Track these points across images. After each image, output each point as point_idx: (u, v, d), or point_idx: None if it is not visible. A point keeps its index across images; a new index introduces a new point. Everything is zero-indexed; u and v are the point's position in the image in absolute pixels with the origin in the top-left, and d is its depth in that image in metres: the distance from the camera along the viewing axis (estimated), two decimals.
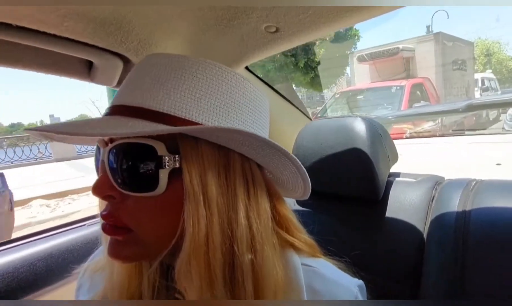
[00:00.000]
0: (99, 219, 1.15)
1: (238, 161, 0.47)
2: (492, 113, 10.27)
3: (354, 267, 0.57)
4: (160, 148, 0.44)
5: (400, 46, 10.02)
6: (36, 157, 13.16)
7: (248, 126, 0.49)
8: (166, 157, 0.44)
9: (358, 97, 8.62)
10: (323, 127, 0.96)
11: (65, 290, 1.02)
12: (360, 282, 0.54)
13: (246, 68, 1.14)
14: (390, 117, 3.56)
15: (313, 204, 0.97)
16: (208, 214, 0.43)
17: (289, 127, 1.33)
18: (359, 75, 10.95)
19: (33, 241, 1.06)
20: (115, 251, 0.47)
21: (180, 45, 0.89)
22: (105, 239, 0.51)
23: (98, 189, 0.45)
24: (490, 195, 0.76)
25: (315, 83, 13.66)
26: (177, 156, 0.44)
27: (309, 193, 0.56)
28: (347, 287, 0.51)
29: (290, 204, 0.97)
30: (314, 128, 0.98)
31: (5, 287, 0.93)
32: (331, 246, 0.60)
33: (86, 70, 0.87)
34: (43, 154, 13.56)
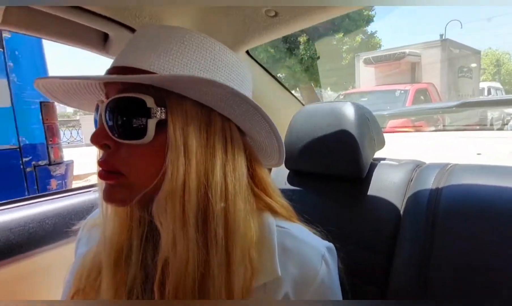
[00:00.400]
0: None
1: (218, 120, 0.53)
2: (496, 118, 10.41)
3: (336, 238, 0.62)
4: (149, 101, 0.49)
5: (407, 50, 10.02)
6: (68, 141, 14.03)
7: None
8: (154, 109, 0.49)
9: (362, 99, 8.42)
10: (316, 110, 1.00)
11: (70, 247, 1.11)
12: (330, 244, 0.59)
13: (247, 52, 1.22)
14: (385, 114, 3.63)
15: (304, 184, 1.04)
16: (186, 162, 0.49)
17: (285, 111, 1.39)
18: (364, 78, 10.93)
19: (44, 201, 1.14)
20: (108, 195, 0.53)
21: (186, 24, 0.96)
22: (100, 187, 0.57)
23: (95, 138, 0.51)
24: (461, 175, 0.82)
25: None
26: (163, 108, 0.50)
27: (283, 157, 0.63)
28: (315, 246, 0.57)
29: (280, 183, 1.06)
30: (307, 112, 1.03)
31: (16, 239, 1.01)
32: (317, 221, 0.65)
33: (102, 43, 0.96)
34: (75, 138, 14.57)
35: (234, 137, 0.55)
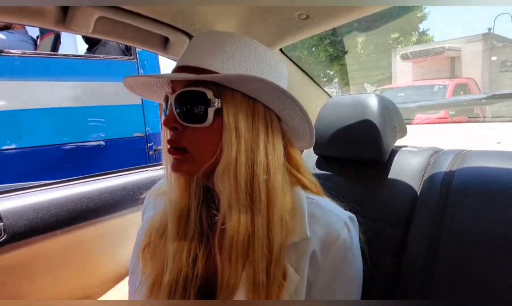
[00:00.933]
0: (159, 167, 1.44)
1: (261, 109, 0.64)
2: None
3: (359, 214, 0.71)
4: (209, 93, 0.61)
5: (446, 45, 9.59)
6: None
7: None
8: (212, 99, 0.61)
9: (399, 94, 7.94)
10: (342, 102, 1.08)
11: (137, 215, 1.31)
12: (352, 214, 0.69)
13: (280, 50, 1.35)
14: (413, 106, 3.61)
15: (331, 168, 1.13)
16: (237, 141, 0.60)
17: (315, 103, 1.50)
18: (401, 73, 10.51)
19: (111, 177, 1.37)
20: (176, 167, 0.65)
21: (230, 27, 1.12)
22: (166, 160, 0.70)
23: (167, 122, 0.64)
24: (474, 159, 0.87)
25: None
26: (219, 99, 0.61)
27: (314, 139, 0.72)
28: (339, 215, 0.67)
29: (309, 168, 1.14)
30: (334, 104, 1.11)
31: (93, 206, 1.25)
32: (343, 200, 0.74)
33: (163, 45, 1.16)
34: None
35: (273, 122, 0.66)
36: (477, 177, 0.82)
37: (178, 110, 0.63)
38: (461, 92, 7.65)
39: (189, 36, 1.12)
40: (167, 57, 1.20)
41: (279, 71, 0.69)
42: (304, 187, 0.71)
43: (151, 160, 3.04)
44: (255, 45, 0.66)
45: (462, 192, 0.80)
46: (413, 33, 15.93)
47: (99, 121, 2.75)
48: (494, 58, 10.12)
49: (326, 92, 1.62)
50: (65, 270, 1.28)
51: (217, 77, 0.59)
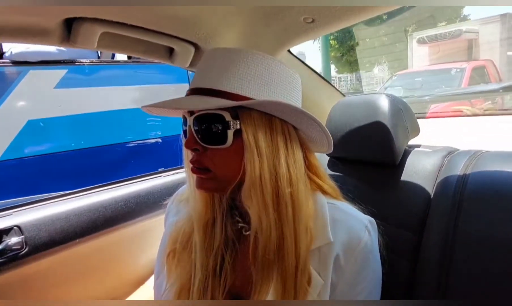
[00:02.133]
0: (171, 172, 1.44)
1: (279, 124, 0.64)
2: None
3: (373, 217, 0.70)
4: (227, 116, 0.61)
5: (463, 28, 9.23)
6: None
7: (284, 97, 0.66)
8: (231, 122, 0.61)
9: (416, 79, 7.65)
10: (352, 102, 1.07)
11: (152, 221, 1.35)
12: (372, 219, 0.70)
13: (288, 51, 1.32)
14: (427, 98, 3.49)
15: (343, 169, 1.11)
16: (259, 160, 0.61)
17: (325, 101, 1.49)
18: (418, 58, 10.17)
19: (127, 184, 1.39)
20: (200, 184, 0.67)
21: (236, 35, 1.09)
22: (189, 178, 0.72)
23: (188, 144, 0.65)
24: (488, 162, 0.84)
25: None
26: (238, 121, 0.62)
27: (332, 147, 0.71)
28: (360, 219, 0.69)
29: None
30: (344, 104, 1.09)
31: (110, 214, 1.27)
32: (348, 196, 0.75)
33: (168, 55, 1.14)
34: None
35: (291, 135, 0.66)
36: (491, 181, 0.80)
37: (197, 132, 0.64)
38: (479, 75, 7.29)
39: (194, 45, 1.10)
40: (174, 66, 1.18)
41: (293, 84, 0.69)
42: (324, 192, 0.72)
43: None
44: (267, 60, 0.65)
45: (476, 197, 0.79)
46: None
47: (156, 120, 3.02)
48: None
49: (337, 90, 1.59)
50: (87, 277, 1.31)
51: (237, 103, 0.60)
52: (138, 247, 1.39)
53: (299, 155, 0.67)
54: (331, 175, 1.07)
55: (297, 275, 0.62)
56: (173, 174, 1.54)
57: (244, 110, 0.62)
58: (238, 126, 0.62)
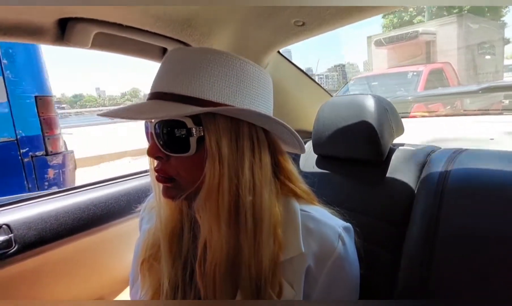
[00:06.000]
0: (145, 173, 1.38)
1: (246, 127, 0.58)
2: None
3: (359, 212, 0.70)
4: (189, 122, 0.56)
5: (420, 29, 9.04)
6: None
7: (252, 100, 0.60)
8: (193, 129, 0.56)
9: (372, 83, 7.41)
10: (340, 103, 1.07)
11: (123, 226, 1.29)
12: (347, 224, 0.65)
13: (278, 52, 1.30)
14: (409, 98, 3.56)
15: (331, 167, 1.11)
16: (220, 168, 0.55)
17: (312, 101, 1.49)
18: (377, 61, 9.98)
19: (94, 188, 1.31)
20: (166, 193, 0.62)
21: (229, 36, 1.07)
22: (155, 186, 0.66)
23: (150, 152, 0.60)
24: (469, 159, 0.85)
25: None
26: (201, 127, 0.56)
27: (304, 148, 0.68)
28: (333, 226, 0.63)
29: (309, 166, 1.16)
30: (333, 104, 1.09)
31: (85, 217, 1.20)
32: (342, 198, 0.73)
33: (161, 55, 1.10)
34: None
35: (260, 139, 0.60)
36: (473, 176, 0.80)
37: (159, 140, 0.58)
38: (437, 78, 7.02)
39: (187, 45, 1.07)
40: None
41: (261, 83, 0.63)
42: (297, 196, 0.67)
43: (26, 168, 2.57)
44: (230, 60, 0.59)
45: (457, 191, 0.79)
46: None
47: None
48: (470, 40, 9.36)
49: (325, 90, 1.59)
50: (76, 275, 1.25)
51: (199, 110, 0.54)
52: (127, 245, 1.33)
53: (266, 159, 0.61)
54: (318, 173, 1.10)
55: (261, 287, 0.57)
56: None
57: (208, 116, 0.56)
58: (201, 133, 0.56)
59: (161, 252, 0.66)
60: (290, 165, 0.68)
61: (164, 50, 1.08)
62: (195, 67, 0.57)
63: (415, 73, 6.72)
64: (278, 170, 0.66)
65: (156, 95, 0.58)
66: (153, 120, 0.59)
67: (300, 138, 0.65)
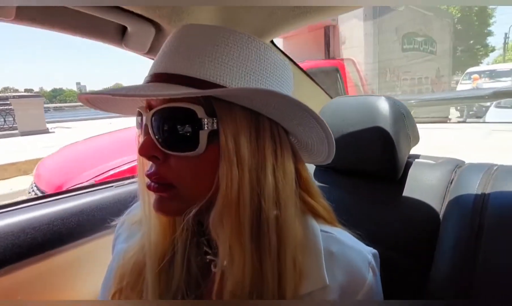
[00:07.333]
0: (126, 181, 1.15)
1: (267, 124, 0.47)
2: None
3: (368, 240, 0.55)
4: (200, 111, 0.44)
5: None
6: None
7: (274, 89, 0.49)
8: (205, 120, 0.44)
9: None
10: (345, 104, 0.92)
11: (96, 244, 1.05)
12: (374, 251, 0.55)
13: (271, 42, 1.11)
14: (413, 101, 3.41)
15: (330, 180, 0.95)
16: (240, 173, 0.44)
17: (310, 102, 1.31)
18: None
19: (65, 197, 1.06)
20: (160, 206, 0.48)
21: (210, 16, 0.85)
22: (144, 196, 0.53)
23: (144, 150, 0.46)
24: (509, 179, 0.72)
25: None
26: (214, 118, 0.45)
27: (332, 157, 0.55)
28: (361, 252, 0.52)
29: None
30: (335, 106, 0.94)
31: (41, 237, 0.94)
32: (347, 220, 0.58)
33: (120, 36, 0.84)
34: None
35: (282, 139, 0.49)
36: None
37: (157, 134, 0.46)
38: (328, 79, 5.27)
39: (155, 25, 0.81)
40: (127, 50, 0.89)
41: (285, 74, 0.52)
42: (316, 215, 0.55)
43: None
44: (253, 43, 0.48)
45: (499, 222, 0.65)
46: None
47: None
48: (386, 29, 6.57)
49: (324, 90, 1.42)
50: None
51: (219, 91, 0.43)
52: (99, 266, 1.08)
53: (290, 166, 0.50)
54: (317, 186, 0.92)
55: None
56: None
57: (223, 104, 0.45)
58: (215, 126, 0.45)
59: (145, 282, 0.53)
60: (309, 176, 0.56)
61: (124, 30, 0.83)
62: (212, 46, 0.46)
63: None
64: (298, 182, 0.53)
65: (159, 77, 0.46)
66: (150, 108, 0.48)
67: (333, 139, 0.52)
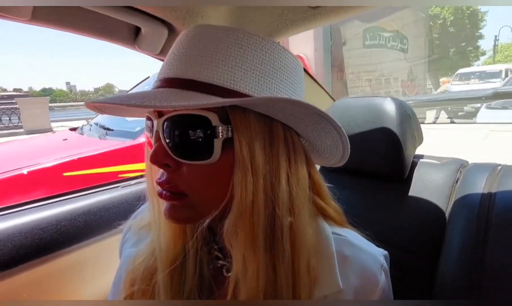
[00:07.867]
0: (133, 181, 1.15)
1: (281, 130, 0.47)
2: None
3: (376, 240, 0.56)
4: (214, 119, 0.43)
5: None
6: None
7: (289, 94, 0.49)
8: (220, 127, 0.43)
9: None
10: (351, 105, 0.92)
11: (103, 244, 1.05)
12: (385, 252, 0.55)
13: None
14: (411, 102, 3.46)
15: (336, 180, 0.94)
16: (254, 180, 0.44)
17: (313, 103, 1.31)
18: None
19: (72, 198, 1.06)
20: (172, 214, 0.48)
21: (223, 16, 0.85)
22: (153, 201, 0.52)
23: (155, 158, 0.45)
24: None
25: None
26: (229, 126, 0.44)
27: (345, 162, 0.55)
28: (373, 254, 0.52)
29: None
30: (341, 107, 0.94)
31: (49, 238, 0.94)
32: (354, 220, 0.58)
33: (133, 37, 0.84)
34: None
35: (296, 145, 0.49)
36: None
37: (170, 142, 0.44)
38: None
39: (168, 26, 0.81)
40: (139, 52, 0.89)
41: (298, 77, 0.51)
42: (326, 216, 0.54)
43: None
44: (268, 45, 0.47)
45: (506, 222, 0.65)
46: None
47: None
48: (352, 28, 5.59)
49: (327, 92, 1.42)
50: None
51: (236, 101, 0.41)
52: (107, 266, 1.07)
53: (303, 171, 0.49)
54: None
55: None
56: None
57: (237, 111, 0.44)
58: (229, 134, 0.44)
59: (157, 287, 0.52)
60: (321, 179, 0.56)
61: (137, 31, 0.83)
62: (225, 49, 0.44)
63: None
64: (310, 186, 0.52)
65: (170, 82, 0.45)
66: (160, 115, 0.46)
67: (348, 143, 0.51)
